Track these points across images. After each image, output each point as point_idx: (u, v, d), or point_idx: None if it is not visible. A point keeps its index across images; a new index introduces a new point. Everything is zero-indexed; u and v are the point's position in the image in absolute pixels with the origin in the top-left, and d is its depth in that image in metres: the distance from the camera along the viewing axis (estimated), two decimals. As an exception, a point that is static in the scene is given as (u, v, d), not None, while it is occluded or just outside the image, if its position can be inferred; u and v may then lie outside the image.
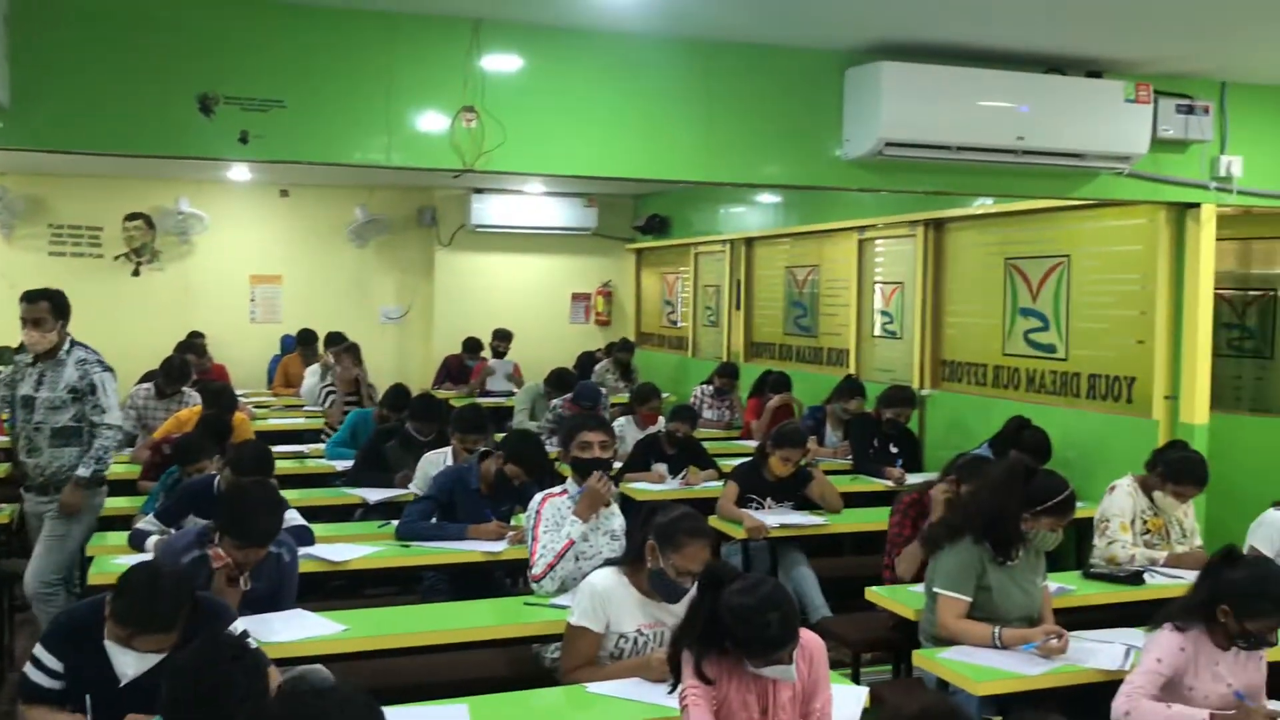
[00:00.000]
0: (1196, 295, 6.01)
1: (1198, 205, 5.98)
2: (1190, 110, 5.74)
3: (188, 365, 7.91)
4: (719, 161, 5.20)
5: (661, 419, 7.65)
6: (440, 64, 4.70)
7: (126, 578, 3.02)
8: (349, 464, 6.81)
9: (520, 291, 12.48)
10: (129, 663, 2.98)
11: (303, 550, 4.70)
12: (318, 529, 5.16)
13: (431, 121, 4.75)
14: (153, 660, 2.97)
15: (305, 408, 9.47)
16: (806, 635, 3.12)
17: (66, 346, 5.38)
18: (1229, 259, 6.90)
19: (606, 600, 3.66)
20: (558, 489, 4.53)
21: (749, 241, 10.57)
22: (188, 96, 4.35)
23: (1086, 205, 6.56)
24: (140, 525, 5.08)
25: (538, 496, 4.50)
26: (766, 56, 5.23)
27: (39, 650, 3.14)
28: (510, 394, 10.23)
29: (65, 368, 5.34)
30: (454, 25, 4.69)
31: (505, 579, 5.39)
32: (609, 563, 3.88)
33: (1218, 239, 6.11)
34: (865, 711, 3.36)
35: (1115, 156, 5.51)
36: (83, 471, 5.29)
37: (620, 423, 7.72)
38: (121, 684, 3.00)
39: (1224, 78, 5.88)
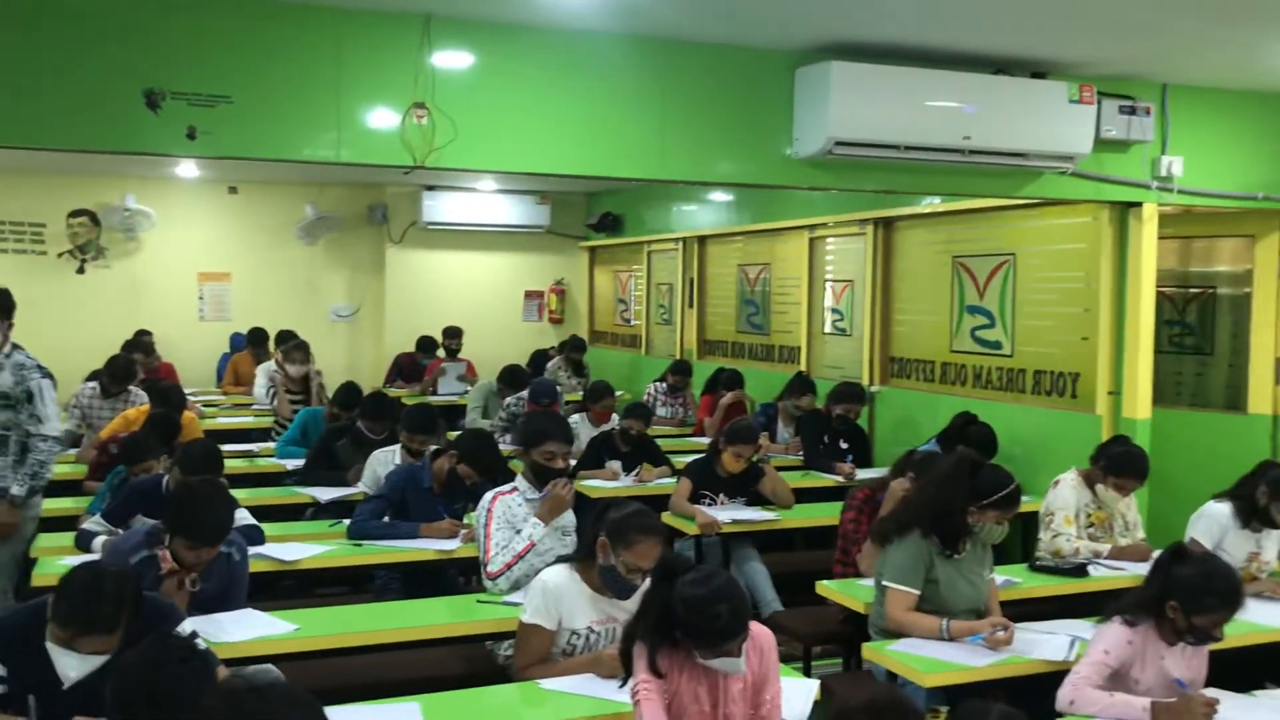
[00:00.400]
0: (1139, 293, 6.13)
1: (1140, 204, 6.09)
2: (1132, 111, 5.85)
3: (133, 364, 7.81)
4: (671, 159, 5.22)
5: (615, 417, 7.67)
6: (391, 60, 4.68)
7: (68, 578, 2.97)
8: (300, 463, 6.75)
9: (473, 289, 12.44)
10: (72, 665, 2.94)
11: (253, 550, 4.67)
12: (268, 528, 5.12)
13: (382, 118, 4.72)
14: (96, 662, 2.93)
15: (254, 406, 9.37)
16: (757, 628, 3.15)
17: (7, 350, 5.12)
18: (1170, 257, 7.04)
19: (558, 597, 3.67)
20: (508, 487, 4.53)
21: (701, 240, 10.62)
22: (134, 92, 4.29)
23: (1032, 204, 6.67)
24: (86, 526, 5.01)
25: (489, 494, 4.50)
26: (718, 55, 5.26)
27: None
28: (463, 393, 10.19)
29: (2, 372, 5.08)
30: (404, 21, 4.67)
31: (459, 577, 5.38)
32: (561, 560, 3.89)
33: (1159, 238, 6.24)
34: (815, 704, 3.40)
35: (1059, 156, 5.60)
36: (17, 490, 5.08)
37: (574, 420, 7.71)
38: (65, 686, 2.96)
39: (1165, 79, 6.00)
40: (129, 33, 4.31)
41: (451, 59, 4.79)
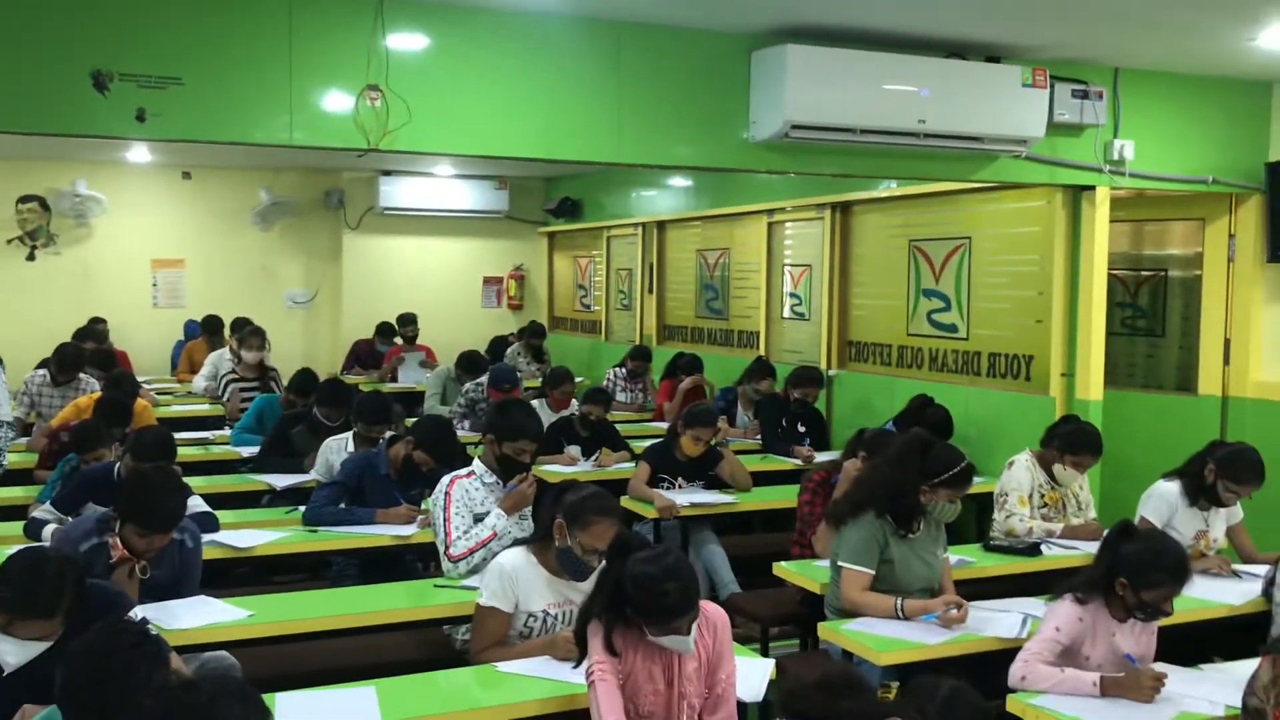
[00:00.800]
0: (1091, 276, 6.19)
1: (1092, 188, 6.16)
2: (1085, 95, 5.90)
3: (81, 352, 7.71)
4: (627, 143, 5.20)
5: (575, 402, 7.65)
6: (344, 41, 4.62)
7: (8, 563, 2.94)
8: (255, 450, 6.70)
9: (431, 275, 12.36)
10: (10, 651, 2.89)
11: (207, 537, 4.63)
12: (223, 516, 5.08)
13: (335, 100, 4.67)
14: (36, 649, 2.89)
15: (192, 393, 9.25)
16: (710, 608, 3.17)
17: None
18: (1123, 241, 7.13)
19: (515, 580, 3.67)
20: (465, 471, 4.52)
21: (661, 225, 10.62)
22: (81, 73, 4.21)
23: (987, 188, 6.72)
24: (36, 514, 4.95)
25: (446, 478, 4.49)
26: (675, 38, 5.25)
27: None
28: (424, 380, 10.13)
29: None
30: (357, 2, 4.62)
31: (416, 563, 5.35)
32: (518, 542, 3.89)
33: (1112, 221, 6.31)
34: (771, 683, 3.42)
35: (1013, 140, 5.65)
36: None
37: (533, 406, 7.70)
38: (4, 673, 2.92)
39: (1117, 63, 6.06)
40: (75, 12, 4.23)
41: (405, 41, 4.75)
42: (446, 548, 4.34)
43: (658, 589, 2.93)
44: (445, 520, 4.38)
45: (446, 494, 4.43)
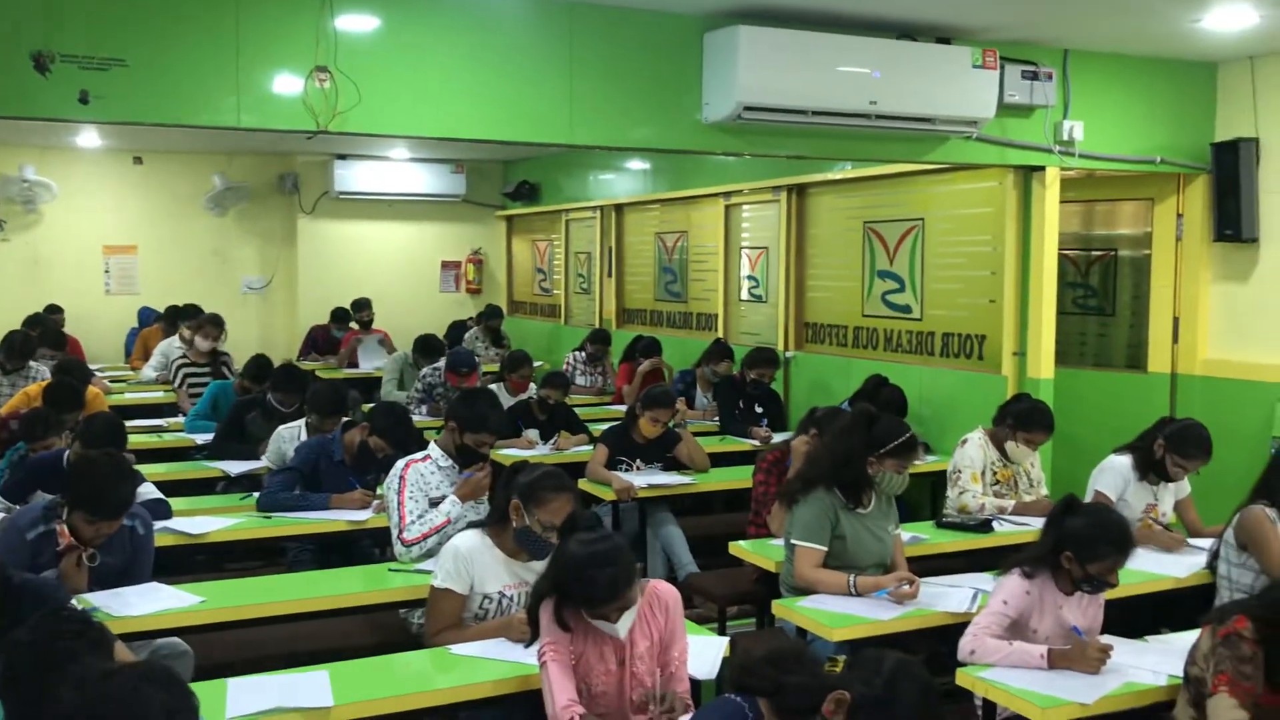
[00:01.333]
0: (1042, 256, 6.26)
1: (1042, 169, 6.21)
2: (1035, 76, 5.94)
3: (30, 339, 7.60)
4: (579, 124, 5.18)
5: (533, 386, 7.65)
6: (291, 22, 4.57)
7: None
8: (209, 436, 6.64)
9: (388, 260, 12.29)
10: None
11: (160, 524, 4.59)
12: (177, 503, 5.03)
13: (282, 82, 4.62)
14: None
15: (138, 381, 9.15)
16: (661, 587, 3.18)
17: None
18: (1074, 221, 7.21)
19: (470, 561, 3.67)
20: (420, 455, 4.51)
21: (619, 208, 10.61)
22: (21, 54, 4.14)
23: (940, 169, 6.77)
24: (-17, 504, 4.88)
25: (401, 462, 4.48)
26: (627, 19, 5.24)
27: None
28: (383, 363, 10.07)
29: None
30: (305, -18, 4.58)
31: (373, 548, 5.32)
32: (472, 525, 3.88)
33: (1063, 202, 6.37)
34: (725, 660, 3.44)
35: (964, 121, 5.68)
36: None
37: (498, 398, 7.68)
38: None
39: (1066, 45, 6.11)
40: (14, -8, 4.16)
41: (353, 22, 4.70)
42: (400, 532, 4.33)
43: (584, 574, 2.94)
44: (400, 504, 4.36)
45: (401, 478, 4.42)
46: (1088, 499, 4.98)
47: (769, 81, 5.19)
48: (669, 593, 3.19)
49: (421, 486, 4.40)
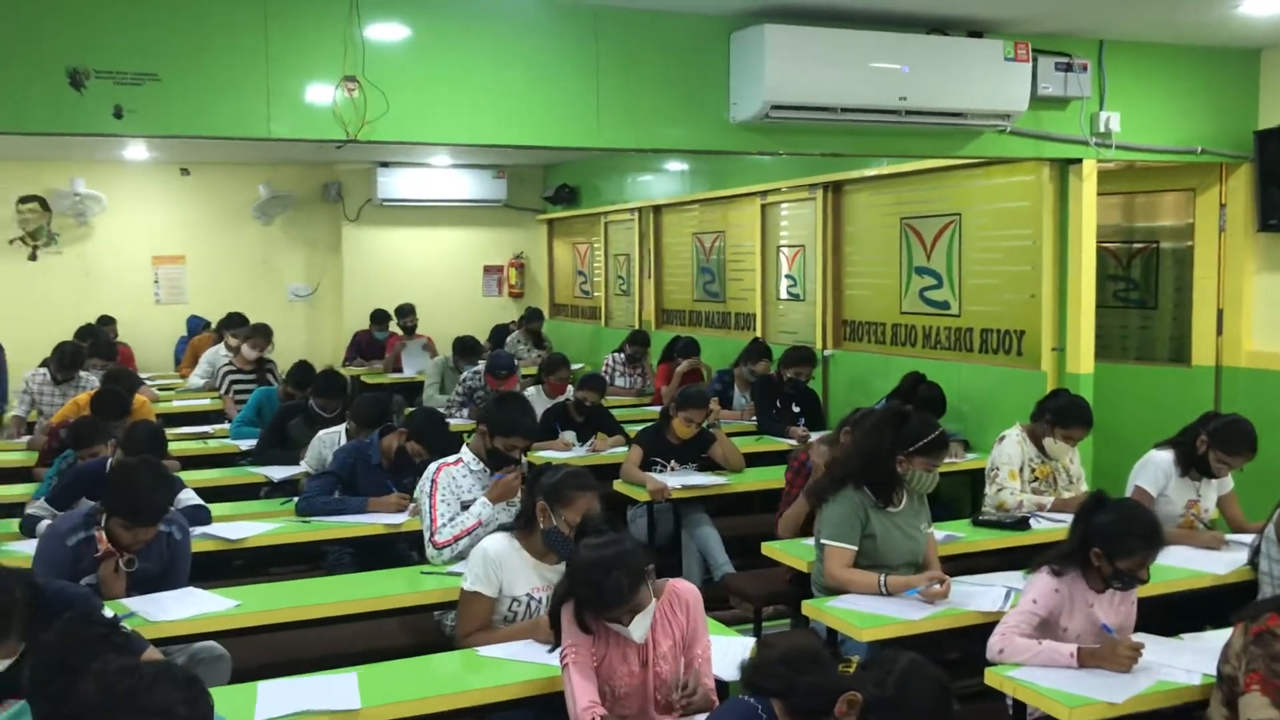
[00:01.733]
0: (1080, 249, 6.17)
1: (1079, 161, 6.13)
2: (1069, 68, 5.87)
3: (80, 350, 7.77)
4: (607, 127, 5.20)
5: (571, 388, 7.68)
6: (319, 33, 4.64)
7: None
8: (254, 443, 6.74)
9: (431, 265, 12.40)
10: None
11: (200, 530, 4.68)
12: (220, 508, 5.12)
13: (312, 92, 4.68)
14: (2, 665, 2.81)
15: (184, 389, 9.32)
16: (681, 586, 3.19)
17: None
18: (1114, 213, 7.11)
19: (499, 565, 3.70)
20: (453, 458, 4.55)
21: (657, 209, 10.61)
22: (57, 71, 4.24)
23: (976, 164, 6.70)
24: (31, 511, 4.99)
25: (433, 465, 4.53)
26: (653, 21, 5.24)
27: None
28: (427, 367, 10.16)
29: None
30: (331, -7, 4.64)
31: (410, 551, 5.38)
32: (502, 528, 3.91)
33: (1102, 194, 6.29)
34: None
35: (996, 114, 5.63)
36: None
37: (530, 393, 7.73)
38: None
39: (1101, 35, 6.03)
40: (49, 11, 4.25)
41: (381, 31, 4.76)
42: (432, 534, 4.38)
43: (591, 579, 2.95)
44: (431, 507, 4.41)
45: (433, 481, 4.46)
46: (1127, 495, 4.92)
47: (796, 80, 5.18)
48: (689, 591, 3.20)
49: (453, 489, 4.44)
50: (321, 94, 4.69)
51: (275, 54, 4.59)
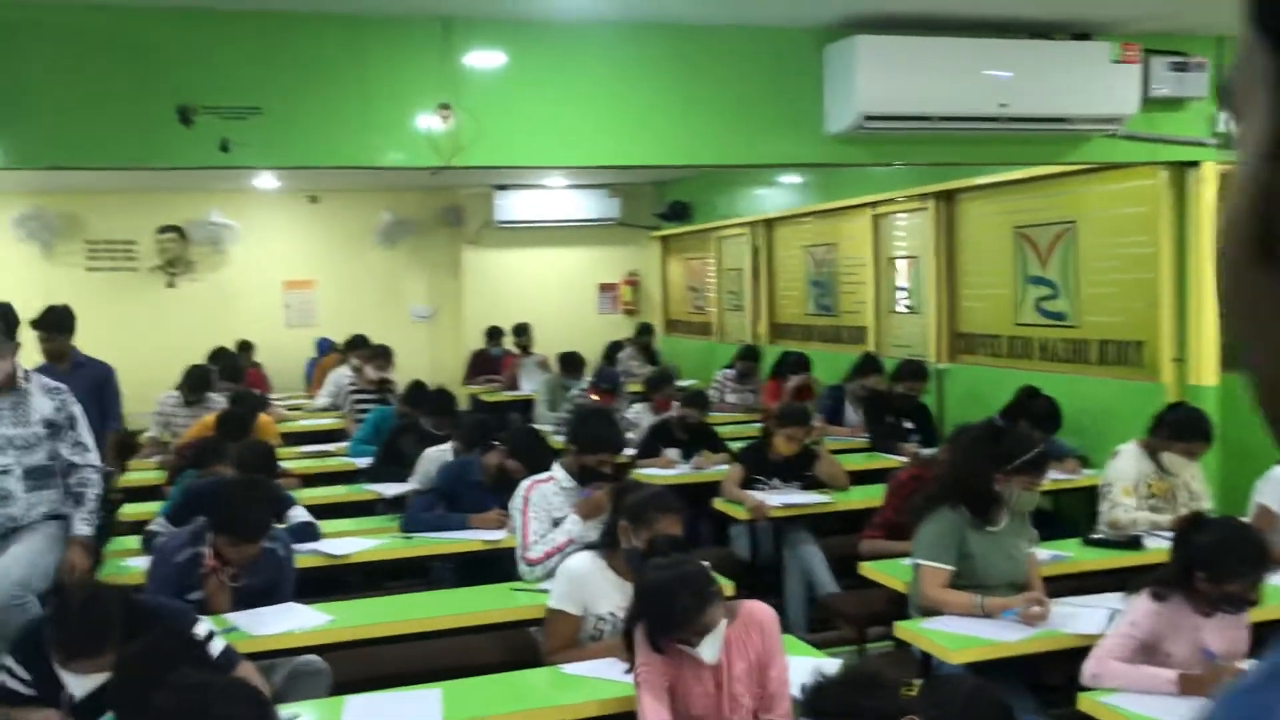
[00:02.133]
0: (1201, 255, 5.91)
1: (1198, 164, 5.88)
2: (1184, 68, 5.64)
3: (208, 373, 8.10)
4: (701, 144, 5.21)
5: (676, 405, 7.68)
6: (413, 63, 4.78)
7: (60, 604, 3.05)
8: (370, 460, 6.93)
9: (547, 284, 12.57)
10: (73, 683, 3.00)
11: (309, 546, 4.83)
12: (334, 524, 5.26)
13: (407, 120, 4.82)
14: (98, 680, 2.96)
15: (313, 406, 9.64)
16: (756, 607, 3.15)
17: (21, 373, 4.44)
18: (1241, 216, 6.77)
19: (583, 584, 3.72)
20: (544, 475, 4.60)
21: (769, 223, 10.56)
22: (167, 108, 4.46)
23: (1090, 169, 6.48)
24: (152, 527, 5.22)
25: (525, 482, 4.58)
26: (744, 37, 5.24)
27: (8, 660, 3.20)
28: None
29: (32, 398, 4.41)
30: (424, 24, 4.76)
31: (513, 567, 5.45)
32: (587, 547, 3.94)
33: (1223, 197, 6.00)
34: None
35: (1104, 119, 5.44)
36: (86, 531, 4.45)
37: (636, 410, 7.77)
38: (77, 699, 3.03)
39: (1219, 32, 5.76)
40: (159, 52, 4.48)
41: (472, 59, 4.87)
42: (524, 551, 4.43)
43: (658, 600, 2.94)
44: (523, 524, 4.46)
45: (525, 498, 4.51)
46: (1250, 512, 4.69)
47: (890, 90, 5.10)
48: (764, 613, 3.16)
49: (544, 506, 4.49)
50: (416, 122, 4.81)
51: (371, 85, 4.74)
